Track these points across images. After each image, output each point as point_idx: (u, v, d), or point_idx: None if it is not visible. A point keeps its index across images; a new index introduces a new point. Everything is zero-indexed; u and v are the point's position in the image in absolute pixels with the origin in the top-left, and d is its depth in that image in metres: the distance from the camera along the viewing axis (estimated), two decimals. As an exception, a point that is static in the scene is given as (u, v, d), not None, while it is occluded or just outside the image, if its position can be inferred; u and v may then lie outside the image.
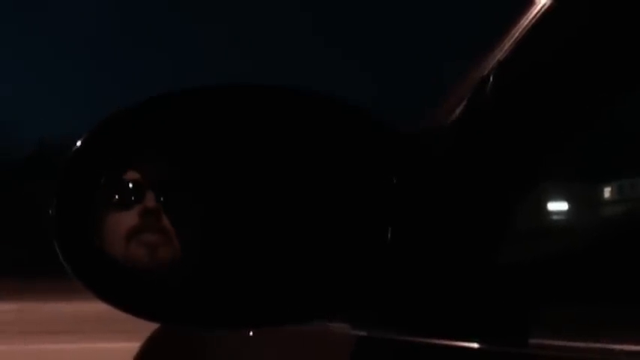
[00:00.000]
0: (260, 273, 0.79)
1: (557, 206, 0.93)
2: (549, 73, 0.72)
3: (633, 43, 0.68)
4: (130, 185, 0.79)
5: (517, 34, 0.72)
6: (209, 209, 0.80)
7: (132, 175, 0.79)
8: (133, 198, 0.79)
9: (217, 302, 0.79)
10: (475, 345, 0.71)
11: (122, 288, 0.78)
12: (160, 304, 0.79)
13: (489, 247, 0.75)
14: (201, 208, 0.81)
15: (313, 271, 0.79)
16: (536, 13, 0.71)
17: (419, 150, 0.80)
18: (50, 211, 0.76)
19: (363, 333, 0.87)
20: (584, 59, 0.70)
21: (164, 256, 0.79)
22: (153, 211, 0.78)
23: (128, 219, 0.78)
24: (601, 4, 0.69)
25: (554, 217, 0.95)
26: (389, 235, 0.76)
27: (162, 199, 0.79)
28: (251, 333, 1.02)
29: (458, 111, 0.76)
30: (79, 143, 0.78)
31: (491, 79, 0.73)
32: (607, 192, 0.99)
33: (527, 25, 0.71)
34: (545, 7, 0.70)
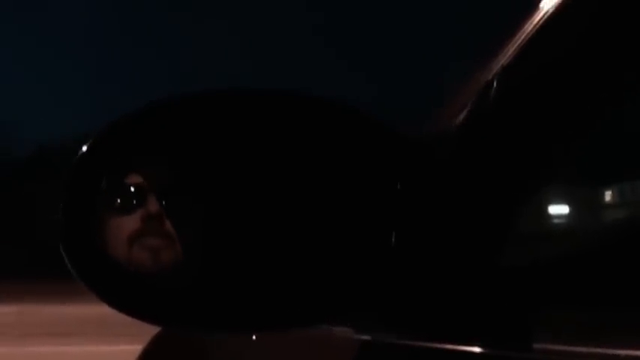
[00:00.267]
0: (263, 277, 0.79)
1: (558, 209, 0.93)
2: (552, 77, 0.72)
3: (636, 47, 0.68)
4: (132, 189, 0.80)
5: (521, 39, 0.72)
6: (212, 213, 0.81)
7: (134, 179, 0.80)
8: (134, 202, 0.79)
9: (220, 306, 0.79)
10: (478, 349, 0.71)
11: (126, 291, 0.79)
12: (163, 308, 0.80)
13: (492, 251, 0.76)
14: (204, 211, 0.81)
15: (317, 275, 0.79)
16: (540, 18, 0.71)
17: (423, 154, 0.80)
18: (57, 215, 0.77)
19: (366, 337, 0.87)
20: (586, 64, 0.70)
21: (167, 260, 0.79)
22: (155, 216, 0.79)
23: (131, 223, 0.79)
24: (603, 9, 0.69)
25: (555, 221, 0.95)
26: (393, 239, 0.76)
27: (164, 203, 0.79)
28: (254, 337, 1.03)
29: (462, 115, 0.77)
30: (84, 148, 0.78)
31: (495, 83, 0.73)
32: (608, 195, 0.99)
33: (531, 31, 0.72)
34: (549, 12, 0.71)
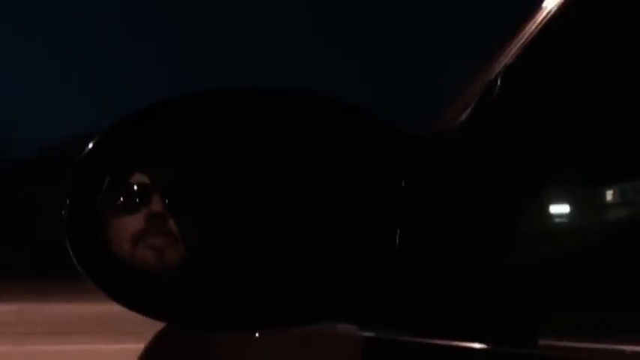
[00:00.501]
0: (267, 275, 0.80)
1: (560, 209, 0.93)
2: (556, 77, 0.72)
3: (638, 47, 0.68)
4: (135, 188, 0.80)
5: (524, 38, 0.73)
6: (215, 212, 0.81)
7: (137, 178, 0.80)
8: (137, 200, 0.80)
9: (225, 303, 0.80)
10: (483, 346, 0.72)
11: (131, 288, 0.79)
12: (168, 305, 0.80)
13: (496, 249, 0.76)
14: (207, 210, 0.81)
15: (321, 272, 0.79)
16: (543, 18, 0.71)
17: (427, 153, 0.80)
18: (62, 213, 0.77)
19: (370, 334, 0.87)
20: (589, 64, 0.71)
21: (171, 259, 0.80)
22: (159, 215, 0.79)
23: (134, 222, 0.79)
24: (606, 9, 0.69)
25: (557, 220, 0.96)
26: (397, 237, 0.77)
27: (167, 202, 0.80)
28: (257, 334, 1.03)
29: (465, 114, 0.77)
30: (90, 146, 0.79)
31: (498, 82, 0.74)
32: (609, 195, 0.99)
33: (534, 30, 0.72)
34: (552, 12, 0.71)
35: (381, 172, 0.78)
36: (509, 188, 0.76)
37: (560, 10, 0.70)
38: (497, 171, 0.76)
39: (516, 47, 0.73)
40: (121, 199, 0.80)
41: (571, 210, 0.95)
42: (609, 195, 0.98)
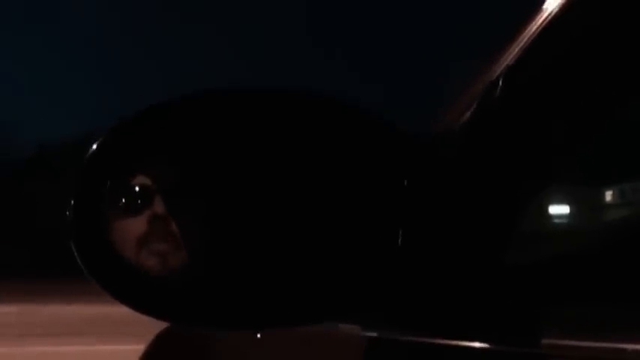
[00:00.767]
0: (270, 274, 0.80)
1: (560, 209, 0.94)
2: (557, 78, 0.73)
3: (638, 48, 0.68)
4: (137, 190, 0.80)
5: (526, 39, 0.73)
6: (217, 212, 0.81)
7: (139, 180, 0.80)
8: (140, 202, 0.80)
9: (227, 303, 0.80)
10: (485, 345, 0.72)
11: (135, 288, 0.79)
12: (171, 305, 0.80)
13: (498, 248, 0.76)
14: (210, 211, 0.81)
15: (323, 272, 0.79)
16: (545, 18, 0.72)
17: (429, 153, 0.80)
18: (67, 214, 0.78)
19: (373, 334, 0.88)
20: (590, 65, 0.71)
21: (174, 262, 0.80)
22: (161, 217, 0.79)
23: (137, 225, 0.79)
24: (607, 10, 0.69)
25: (557, 220, 0.96)
26: (399, 236, 0.77)
27: (169, 203, 0.80)
28: (259, 335, 1.03)
29: (467, 114, 0.77)
30: (94, 146, 0.79)
31: (500, 83, 0.74)
32: (609, 195, 0.99)
33: (535, 31, 0.72)
34: (554, 13, 0.71)
35: (383, 171, 0.79)
36: (511, 188, 0.76)
37: (562, 11, 0.71)
38: (498, 171, 0.76)
39: (518, 48, 0.73)
40: (124, 200, 0.80)
41: (571, 210, 0.95)
42: (609, 195, 0.98)
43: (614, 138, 0.87)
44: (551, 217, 0.94)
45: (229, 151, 0.81)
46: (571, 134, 0.75)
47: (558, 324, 0.69)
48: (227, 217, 0.81)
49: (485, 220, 0.76)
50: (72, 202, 0.78)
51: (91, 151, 0.79)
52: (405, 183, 0.78)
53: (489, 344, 0.72)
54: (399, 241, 0.77)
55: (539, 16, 0.72)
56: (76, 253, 0.77)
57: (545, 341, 0.67)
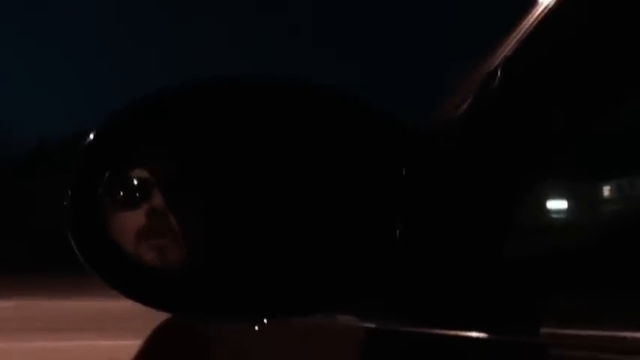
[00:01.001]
0: (269, 265, 0.80)
1: (558, 204, 0.94)
2: (555, 69, 0.73)
3: (636, 41, 0.69)
4: (135, 182, 0.80)
5: (523, 30, 0.73)
6: (216, 204, 0.81)
7: (137, 172, 0.80)
8: (138, 195, 0.79)
9: (226, 294, 0.80)
10: (484, 335, 0.72)
11: (133, 278, 0.79)
12: (170, 295, 0.80)
13: (496, 240, 0.76)
14: (208, 202, 0.81)
15: (321, 263, 0.79)
16: (542, 10, 0.72)
17: (427, 143, 0.80)
18: (65, 203, 0.77)
19: (371, 325, 0.88)
20: (588, 56, 0.71)
21: (173, 255, 0.80)
22: (160, 211, 0.79)
23: (136, 218, 0.79)
24: (603, 3, 0.69)
25: (555, 215, 0.96)
26: (397, 227, 0.77)
27: (168, 195, 0.80)
28: (257, 327, 1.03)
29: (466, 105, 0.77)
30: (91, 136, 0.79)
31: (498, 74, 0.74)
32: (606, 190, 0.99)
33: (533, 22, 0.72)
34: (551, 4, 0.71)
35: (382, 162, 0.79)
36: (509, 179, 0.76)
37: (559, 3, 0.71)
38: (497, 162, 0.76)
39: (516, 39, 0.74)
40: (122, 193, 0.80)
41: (569, 203, 0.95)
42: (607, 190, 0.98)
43: (613, 131, 0.87)
44: (549, 210, 0.94)
45: (227, 143, 0.81)
46: (569, 125, 0.75)
47: (556, 313, 0.69)
48: (225, 209, 0.81)
49: (483, 211, 0.77)
50: (69, 192, 0.78)
51: (87, 140, 0.78)
52: (403, 173, 0.78)
53: (487, 334, 0.72)
54: (397, 232, 0.77)
55: (537, 8, 0.72)
56: (73, 244, 0.77)
57: (543, 330, 0.67)
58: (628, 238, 0.74)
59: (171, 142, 0.82)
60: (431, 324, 0.77)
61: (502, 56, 0.74)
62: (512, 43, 0.74)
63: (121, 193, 0.80)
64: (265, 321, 0.91)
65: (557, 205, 0.94)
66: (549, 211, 0.94)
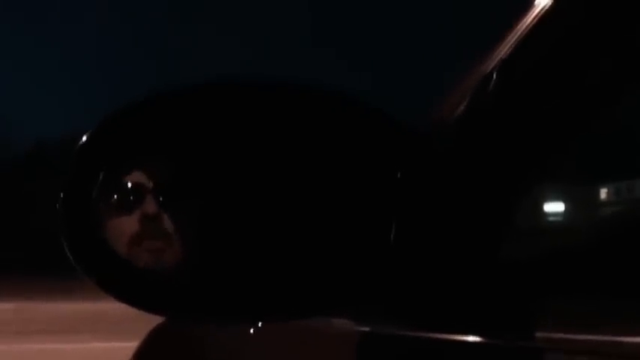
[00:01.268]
0: (263, 268, 0.79)
1: (555, 206, 0.94)
2: (551, 71, 0.73)
3: (633, 43, 0.68)
4: (130, 186, 0.79)
5: (519, 32, 0.73)
6: (211, 206, 0.81)
7: (131, 177, 0.79)
8: (132, 199, 0.79)
9: (221, 297, 0.80)
10: (479, 339, 0.72)
11: (128, 282, 0.79)
12: (165, 299, 0.80)
13: (493, 242, 0.76)
14: (204, 204, 0.81)
15: (316, 266, 0.79)
16: (539, 12, 0.71)
17: (423, 145, 0.80)
18: (57, 206, 0.77)
19: (366, 328, 0.87)
20: (585, 58, 0.71)
21: (168, 259, 0.80)
22: (153, 216, 0.78)
23: (129, 223, 0.78)
24: (600, 3, 0.69)
25: (552, 217, 0.96)
26: (392, 230, 0.76)
27: (163, 198, 0.79)
28: (252, 330, 1.03)
29: (461, 108, 0.77)
30: (84, 138, 0.78)
31: (494, 76, 0.74)
32: (604, 193, 0.99)
33: (529, 24, 0.72)
34: (547, 6, 0.71)
35: (377, 163, 0.78)
36: (505, 181, 0.76)
37: (555, 4, 0.70)
38: (493, 164, 0.76)
39: (512, 41, 0.73)
40: (116, 197, 0.79)
41: (566, 206, 0.95)
42: (604, 193, 0.98)
43: (610, 134, 0.87)
44: (546, 213, 0.94)
45: (222, 144, 0.80)
46: (566, 128, 0.75)
47: (553, 317, 0.68)
48: (221, 211, 0.80)
49: (479, 214, 0.76)
50: (61, 195, 0.77)
51: (80, 143, 0.78)
52: (399, 176, 0.77)
53: (483, 338, 0.72)
54: (392, 234, 0.77)
55: (533, 10, 0.72)
56: (66, 248, 0.76)
57: (539, 334, 0.67)
58: (626, 240, 0.74)
59: (167, 145, 0.81)
60: (427, 328, 0.77)
61: (498, 58, 0.74)
62: (509, 45, 0.73)
63: (115, 197, 0.79)
64: (260, 324, 0.91)
65: (554, 207, 0.94)
66: (546, 214, 0.94)
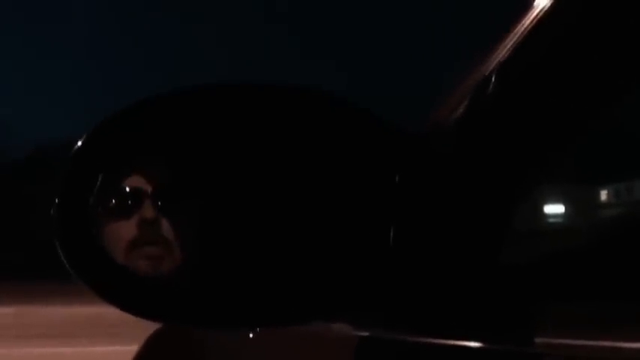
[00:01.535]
0: (262, 273, 0.79)
1: (555, 208, 0.93)
2: (550, 73, 0.72)
3: (632, 44, 0.68)
4: (128, 190, 0.79)
5: (518, 34, 0.72)
6: (210, 210, 0.80)
7: (130, 181, 0.79)
8: (130, 204, 0.78)
9: (220, 303, 0.79)
10: (479, 344, 0.71)
11: (124, 288, 0.78)
12: (163, 305, 0.79)
13: (492, 246, 0.75)
14: (202, 209, 0.81)
15: (315, 271, 0.78)
16: (537, 13, 0.71)
17: (421, 149, 0.80)
18: (52, 211, 0.76)
19: (365, 333, 0.87)
20: (584, 60, 0.70)
21: (166, 265, 0.79)
22: (151, 221, 0.78)
23: (127, 229, 0.78)
24: (601, 3, 0.69)
25: (552, 219, 0.95)
26: (391, 234, 0.76)
27: (161, 202, 0.79)
28: (251, 335, 1.02)
29: (460, 109, 0.77)
30: (79, 143, 0.78)
31: (493, 78, 0.73)
32: (603, 195, 0.99)
33: (528, 26, 0.72)
34: (546, 7, 0.71)
35: (375, 167, 0.78)
36: (504, 184, 0.75)
37: (554, 6, 0.70)
38: (491, 167, 0.75)
39: (510, 43, 0.73)
40: (114, 201, 0.79)
41: (566, 209, 0.95)
42: (604, 195, 0.98)
43: (610, 136, 0.87)
44: (545, 215, 0.93)
45: (220, 148, 0.80)
46: (565, 130, 0.74)
47: (553, 322, 0.68)
48: (219, 216, 0.80)
49: (478, 218, 0.76)
50: (57, 200, 0.77)
51: (76, 147, 0.77)
52: (397, 179, 0.77)
53: (483, 343, 0.71)
54: (391, 238, 0.76)
55: (532, 11, 0.72)
56: (62, 254, 0.76)
57: (539, 340, 0.66)
58: (626, 243, 0.74)
59: (165, 147, 0.81)
60: (426, 333, 0.77)
61: (497, 60, 0.74)
62: (507, 46, 0.73)
63: (114, 201, 0.79)
64: (259, 329, 0.90)
65: (554, 210, 0.93)
66: (546, 216, 0.93)
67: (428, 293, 0.77)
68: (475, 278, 0.75)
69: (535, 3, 0.72)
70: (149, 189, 0.79)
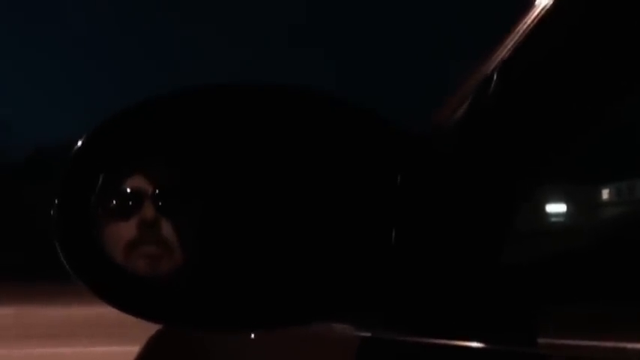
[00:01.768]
0: (263, 274, 0.79)
1: (557, 207, 0.93)
2: (552, 72, 0.72)
3: (634, 43, 0.68)
4: (128, 191, 0.79)
5: (520, 33, 0.72)
6: (211, 211, 0.80)
7: (130, 182, 0.79)
8: (130, 205, 0.78)
9: (221, 304, 0.79)
10: (481, 345, 0.71)
11: (124, 289, 0.78)
12: (162, 306, 0.79)
13: (494, 247, 0.75)
14: (204, 209, 0.81)
15: (316, 272, 0.78)
16: (539, 12, 0.71)
17: (423, 149, 0.79)
18: (51, 212, 0.76)
19: (367, 334, 0.87)
20: (586, 59, 0.70)
21: (165, 266, 0.79)
22: (151, 223, 0.78)
23: (127, 229, 0.78)
24: (602, 3, 0.69)
25: (553, 219, 0.95)
26: (393, 235, 0.76)
27: (162, 204, 0.79)
28: (253, 336, 1.02)
29: (462, 110, 0.76)
30: (79, 143, 0.77)
31: (494, 78, 0.73)
32: (605, 194, 0.99)
33: (530, 25, 0.72)
34: (548, 6, 0.70)
35: (377, 168, 0.78)
36: (506, 185, 0.75)
37: (555, 5, 0.70)
38: (493, 167, 0.75)
39: (512, 42, 0.73)
40: (113, 202, 0.78)
41: (568, 208, 0.95)
42: (605, 194, 0.98)
43: (612, 135, 0.87)
44: (547, 215, 0.93)
45: (221, 149, 0.80)
46: (567, 129, 0.74)
47: (555, 323, 0.68)
48: (220, 217, 0.80)
49: (480, 218, 0.76)
50: (56, 201, 0.77)
51: (76, 148, 0.77)
52: (399, 180, 0.77)
53: (485, 344, 0.71)
54: (393, 239, 0.76)
55: (534, 10, 0.72)
56: (62, 255, 0.75)
57: (541, 340, 0.66)
58: (628, 243, 0.73)
59: (165, 148, 0.81)
60: (428, 333, 0.77)
61: (499, 59, 0.74)
62: (509, 45, 0.73)
63: (114, 202, 0.79)
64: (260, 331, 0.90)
65: (555, 210, 0.93)
66: (548, 217, 0.93)
67: (430, 294, 0.77)
68: (477, 279, 0.75)
69: (537, 2, 0.72)
70: (149, 190, 0.79)
